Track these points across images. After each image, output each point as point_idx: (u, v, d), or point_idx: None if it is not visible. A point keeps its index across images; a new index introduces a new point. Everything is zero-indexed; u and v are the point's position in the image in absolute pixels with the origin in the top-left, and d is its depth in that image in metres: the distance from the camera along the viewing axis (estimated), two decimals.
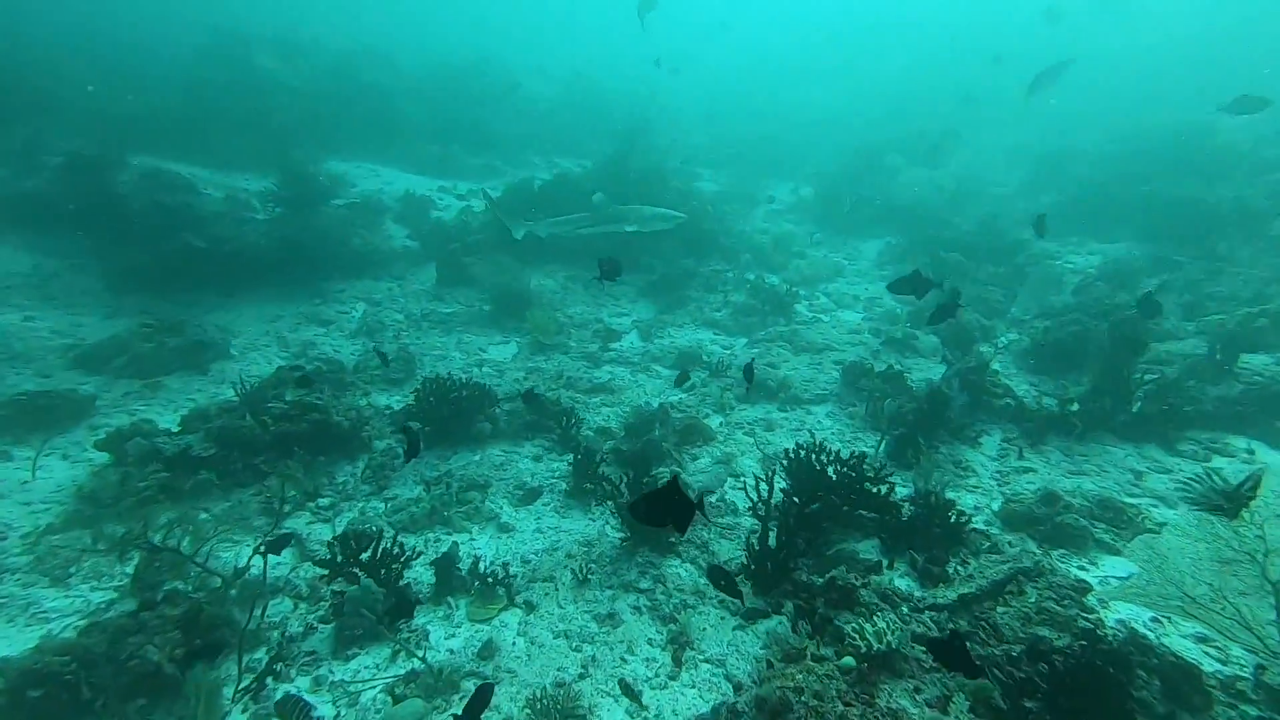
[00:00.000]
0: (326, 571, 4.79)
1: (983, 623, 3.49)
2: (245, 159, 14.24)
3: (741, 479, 6.07)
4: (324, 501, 6.19)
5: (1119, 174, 13.02)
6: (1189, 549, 2.88)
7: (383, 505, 6.15)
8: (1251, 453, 4.99)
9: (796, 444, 5.00)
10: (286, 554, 5.52)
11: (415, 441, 5.15)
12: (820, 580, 4.19)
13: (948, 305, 4.90)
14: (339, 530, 5.76)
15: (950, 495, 5.02)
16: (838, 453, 4.83)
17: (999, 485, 5.28)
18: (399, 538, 5.58)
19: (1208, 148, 12.70)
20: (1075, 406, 5.85)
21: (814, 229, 16.12)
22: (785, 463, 5.08)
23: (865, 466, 4.78)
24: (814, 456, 4.92)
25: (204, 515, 5.68)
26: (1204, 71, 21.06)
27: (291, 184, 11.93)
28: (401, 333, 10.12)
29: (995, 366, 7.83)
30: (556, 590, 4.90)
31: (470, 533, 5.79)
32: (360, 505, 6.16)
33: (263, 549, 4.63)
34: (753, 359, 7.40)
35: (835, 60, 36.21)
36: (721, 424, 7.33)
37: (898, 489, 5.48)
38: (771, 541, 4.50)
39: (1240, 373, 6.19)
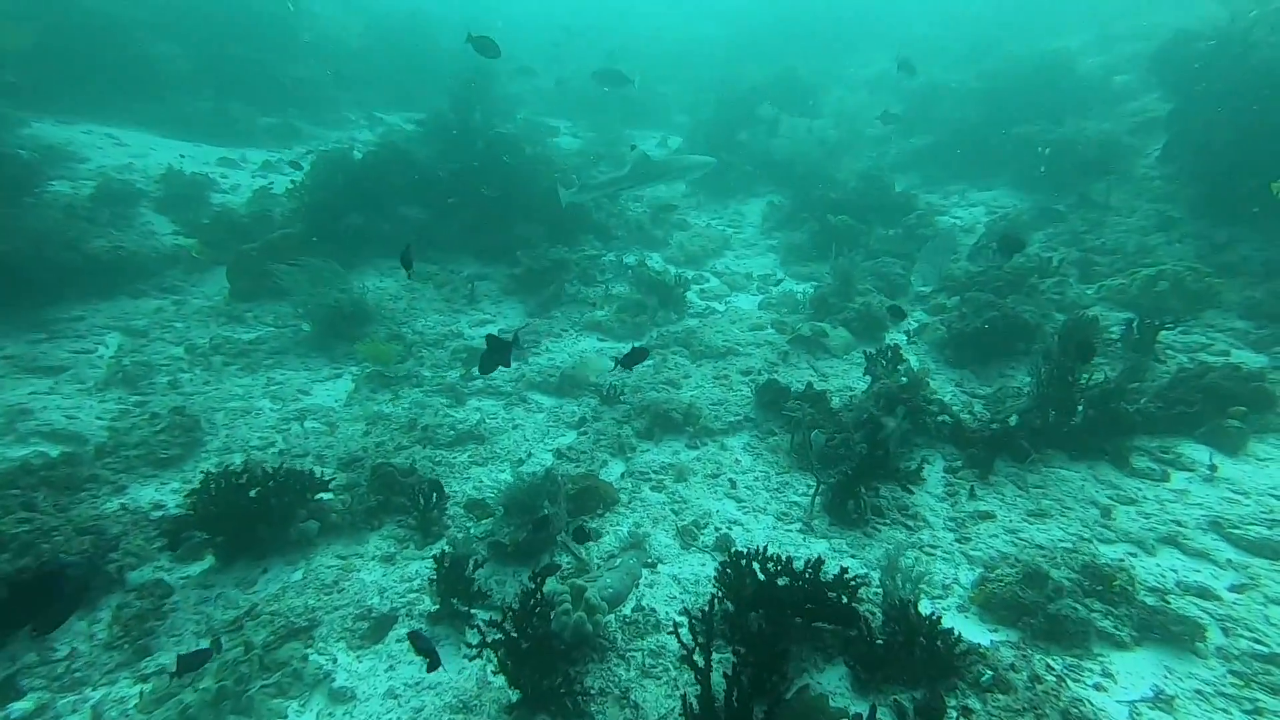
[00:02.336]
0: None
1: None
2: None
3: (657, 565, 4.88)
4: (24, 706, 4.06)
5: (989, 114, 13.14)
6: None
7: (137, 691, 4.17)
8: (1214, 468, 4.70)
9: (735, 553, 3.84)
10: None
11: None
12: None
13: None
14: None
15: (913, 563, 4.20)
16: (788, 560, 3.75)
17: (958, 541, 4.58)
18: None
19: (1069, 81, 13.05)
20: (1014, 420, 5.30)
21: (688, 188, 14.99)
22: (721, 575, 3.93)
23: (824, 572, 3.76)
24: (757, 565, 3.81)
25: None
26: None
27: None
28: (181, 376, 7.54)
29: (911, 359, 7.29)
30: None
31: (285, 718, 4.07)
32: (95, 698, 4.13)
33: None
34: (521, 329, 6.63)
35: None
36: (623, 475, 6.06)
37: (845, 558, 4.65)
38: (719, 702, 3.37)
39: (1161, 352, 6.04)
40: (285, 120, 13.98)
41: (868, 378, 6.21)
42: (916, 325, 7.87)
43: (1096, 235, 8.76)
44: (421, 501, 5.56)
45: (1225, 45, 8.10)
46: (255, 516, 5.19)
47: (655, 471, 6.03)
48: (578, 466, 6.25)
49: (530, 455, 6.51)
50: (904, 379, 5.69)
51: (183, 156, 11.17)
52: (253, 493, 5.21)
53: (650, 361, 7.87)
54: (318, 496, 5.54)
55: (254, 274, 9.06)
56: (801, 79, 15.53)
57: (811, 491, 5.25)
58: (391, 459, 6.28)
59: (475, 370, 7.98)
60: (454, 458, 6.47)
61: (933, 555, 4.48)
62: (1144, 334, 5.90)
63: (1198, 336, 6.25)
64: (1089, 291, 7.68)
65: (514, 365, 5.67)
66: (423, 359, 8.22)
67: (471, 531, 5.53)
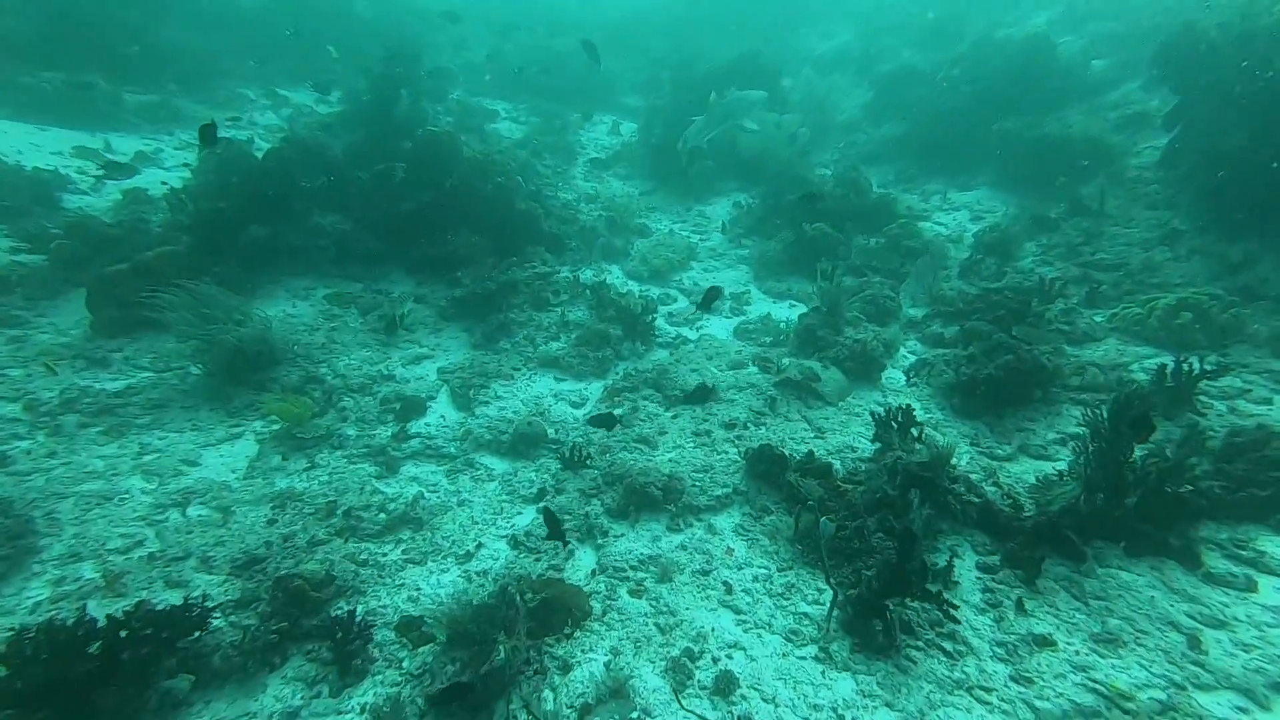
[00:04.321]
0: None
1: None
2: None
3: None
4: None
5: (967, 105, 12.45)
6: None
7: None
8: None
9: None
10: None
11: None
12: None
13: None
14: None
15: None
16: None
17: (1016, 680, 3.77)
18: None
19: (1053, 69, 12.32)
20: (1055, 508, 4.55)
21: (646, 185, 13.79)
22: None
23: None
24: None
25: None
26: None
27: None
28: (16, 448, 5.91)
29: (914, 405, 6.50)
30: None
31: None
32: None
33: None
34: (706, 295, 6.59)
35: None
36: (594, 572, 5.01)
37: (879, 708, 3.78)
38: None
39: (1206, 408, 5.42)
40: (164, 98, 11.68)
41: (877, 444, 5.35)
42: (915, 359, 7.09)
43: (1095, 248, 8.19)
44: (339, 632, 4.37)
45: (1244, 42, 7.54)
46: (98, 680, 3.86)
47: (633, 567, 5.00)
48: (538, 561, 5.16)
49: (480, 545, 5.37)
50: (923, 453, 4.85)
51: (16, 157, 9.01)
52: (94, 647, 3.87)
53: (620, 411, 6.79)
54: (191, 638, 4.24)
55: (124, 302, 7.36)
56: (765, 63, 14.43)
57: (827, 603, 4.36)
58: (303, 563, 5.00)
59: (410, 427, 6.71)
60: (384, 553, 5.25)
61: (988, 704, 3.67)
62: (1183, 384, 5.29)
63: (1232, 379, 5.72)
64: (1099, 319, 7.07)
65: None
66: (345, 411, 6.84)
67: (405, 665, 4.40)
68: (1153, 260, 7.61)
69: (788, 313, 8.71)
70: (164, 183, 8.66)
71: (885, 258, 8.71)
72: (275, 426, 6.48)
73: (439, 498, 5.86)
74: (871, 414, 5.49)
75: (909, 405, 5.31)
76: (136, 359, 7.13)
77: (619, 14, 28.02)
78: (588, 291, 9.06)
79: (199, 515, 5.52)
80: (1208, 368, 5.37)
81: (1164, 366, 5.50)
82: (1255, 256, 6.80)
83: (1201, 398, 5.50)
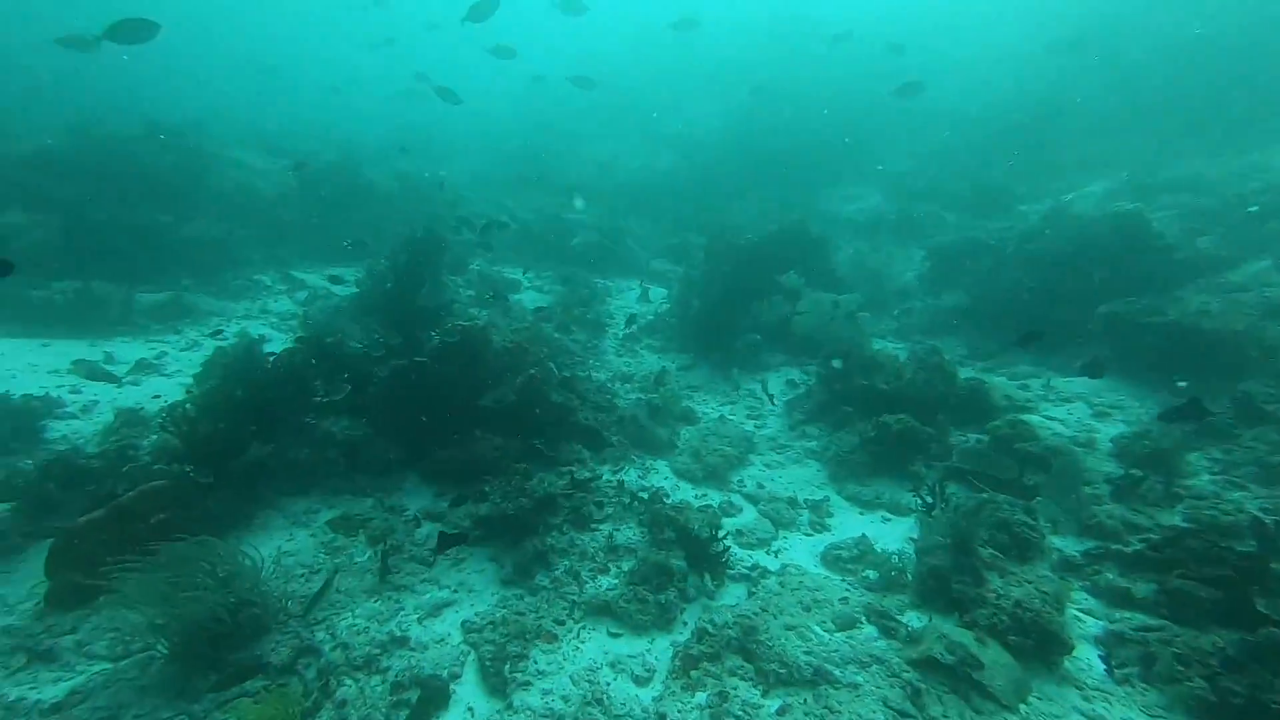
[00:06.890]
0: None
1: None
2: None
3: None
4: None
5: (1051, 282, 12.07)
6: None
7: None
8: None
9: None
10: None
11: None
12: None
13: None
14: None
15: None
16: None
17: None
18: None
19: (1153, 246, 11.71)
20: None
21: (683, 358, 13.36)
22: None
23: None
24: None
25: None
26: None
27: None
28: None
29: None
30: None
31: None
32: None
33: None
34: None
35: (616, 105, 34.56)
36: None
37: None
38: None
39: None
40: (175, 294, 11.71)
41: None
42: (1101, 629, 5.72)
43: None
44: None
45: None
46: None
47: None
48: None
49: None
50: None
51: (13, 375, 8.62)
52: None
53: (703, 697, 5.48)
54: None
55: (92, 559, 6.40)
56: (812, 233, 14.66)
57: None
58: None
59: None
60: None
61: None
62: None
63: None
64: None
65: None
66: (345, 707, 5.55)
67: None
68: None
69: (883, 530, 7.60)
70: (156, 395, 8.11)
71: (997, 464, 7.74)
72: None
73: None
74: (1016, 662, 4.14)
75: None
76: (93, 642, 6.00)
77: (632, 176, 29.97)
78: (636, 503, 8.10)
79: None
80: None
81: None
82: None
83: None
